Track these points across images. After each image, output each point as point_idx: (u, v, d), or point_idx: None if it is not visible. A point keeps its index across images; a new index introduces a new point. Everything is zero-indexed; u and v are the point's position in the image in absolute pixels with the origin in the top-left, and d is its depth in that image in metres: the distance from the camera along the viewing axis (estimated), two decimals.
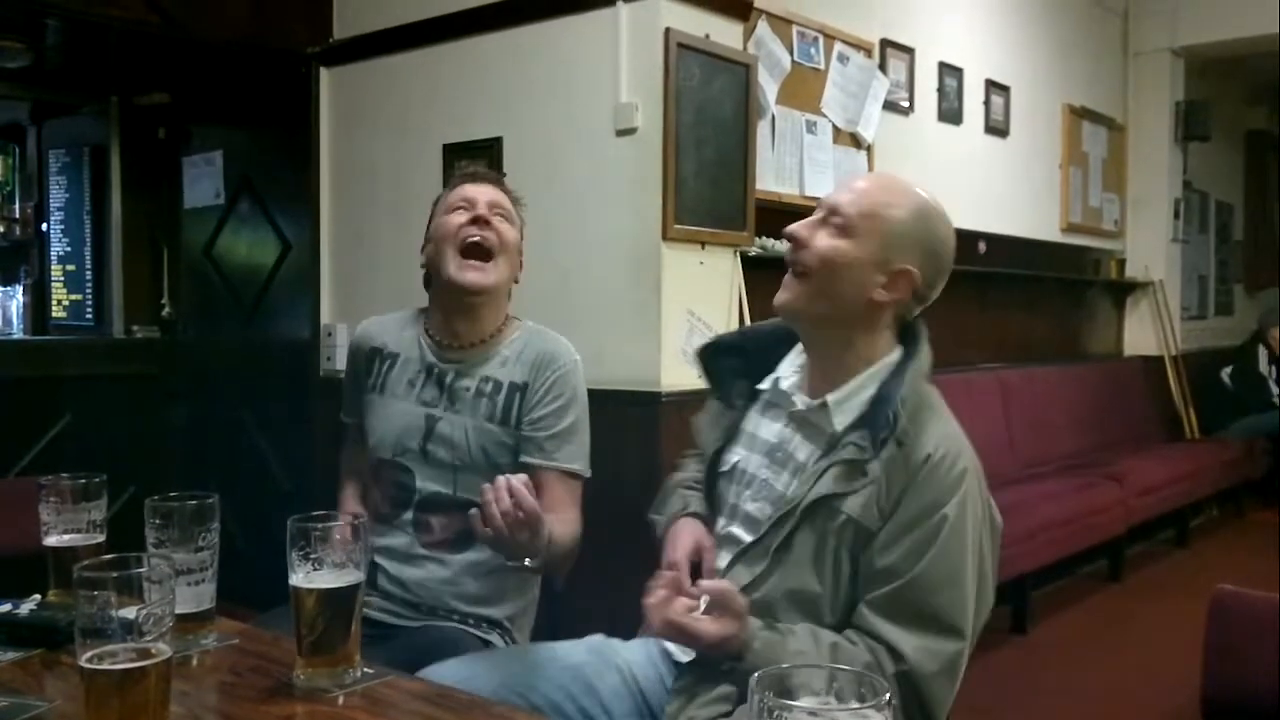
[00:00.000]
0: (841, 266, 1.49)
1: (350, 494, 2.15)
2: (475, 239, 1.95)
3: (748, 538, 1.57)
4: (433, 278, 2.04)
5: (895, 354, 1.56)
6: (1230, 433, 6.55)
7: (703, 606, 1.42)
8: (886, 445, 1.44)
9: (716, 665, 1.47)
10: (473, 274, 1.95)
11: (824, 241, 1.50)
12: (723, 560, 1.60)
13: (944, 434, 1.48)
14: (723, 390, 1.72)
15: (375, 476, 2.04)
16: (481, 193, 2.00)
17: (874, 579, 1.44)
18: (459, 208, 1.98)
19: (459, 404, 1.97)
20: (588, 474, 1.99)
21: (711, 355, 1.75)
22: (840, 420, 1.51)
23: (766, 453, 1.61)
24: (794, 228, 1.54)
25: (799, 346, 1.64)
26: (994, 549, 1.52)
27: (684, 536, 1.63)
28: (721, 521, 1.66)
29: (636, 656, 1.68)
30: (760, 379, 1.66)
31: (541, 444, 1.93)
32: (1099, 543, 4.78)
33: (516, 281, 2.06)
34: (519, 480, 1.56)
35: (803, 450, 1.56)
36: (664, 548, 1.65)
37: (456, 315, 2.01)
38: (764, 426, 1.64)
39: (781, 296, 1.55)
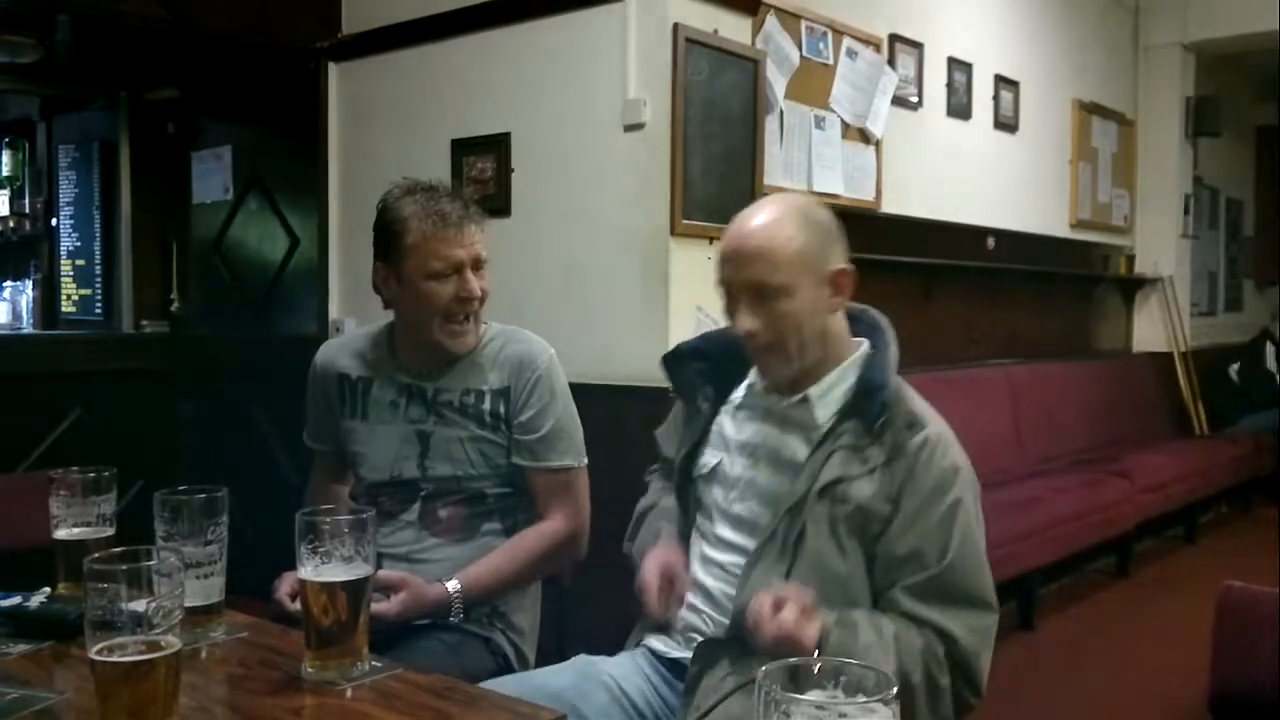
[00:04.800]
0: (793, 320, 1.53)
1: None
2: (463, 314, 1.92)
3: (739, 539, 1.59)
4: (405, 320, 1.98)
5: (864, 346, 1.63)
6: (1239, 429, 6.52)
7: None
8: (884, 434, 1.51)
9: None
10: (459, 340, 1.94)
11: (765, 318, 1.54)
12: (717, 554, 1.63)
13: (928, 418, 1.55)
14: (688, 394, 1.75)
15: (373, 498, 2.01)
16: (465, 248, 1.88)
17: (902, 564, 1.48)
18: (444, 275, 1.88)
19: (447, 416, 1.96)
20: (583, 463, 2.00)
21: (675, 362, 1.78)
22: (822, 413, 1.57)
23: (747, 454, 1.64)
24: (738, 324, 1.56)
25: None
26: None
27: (653, 562, 1.61)
28: (702, 521, 1.68)
29: (623, 670, 1.69)
30: (725, 382, 1.72)
31: (531, 447, 1.95)
32: (1107, 539, 4.77)
33: None
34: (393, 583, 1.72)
35: (789, 446, 1.59)
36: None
37: (434, 358, 1.98)
38: (738, 428, 1.68)
39: (771, 374, 1.61)
